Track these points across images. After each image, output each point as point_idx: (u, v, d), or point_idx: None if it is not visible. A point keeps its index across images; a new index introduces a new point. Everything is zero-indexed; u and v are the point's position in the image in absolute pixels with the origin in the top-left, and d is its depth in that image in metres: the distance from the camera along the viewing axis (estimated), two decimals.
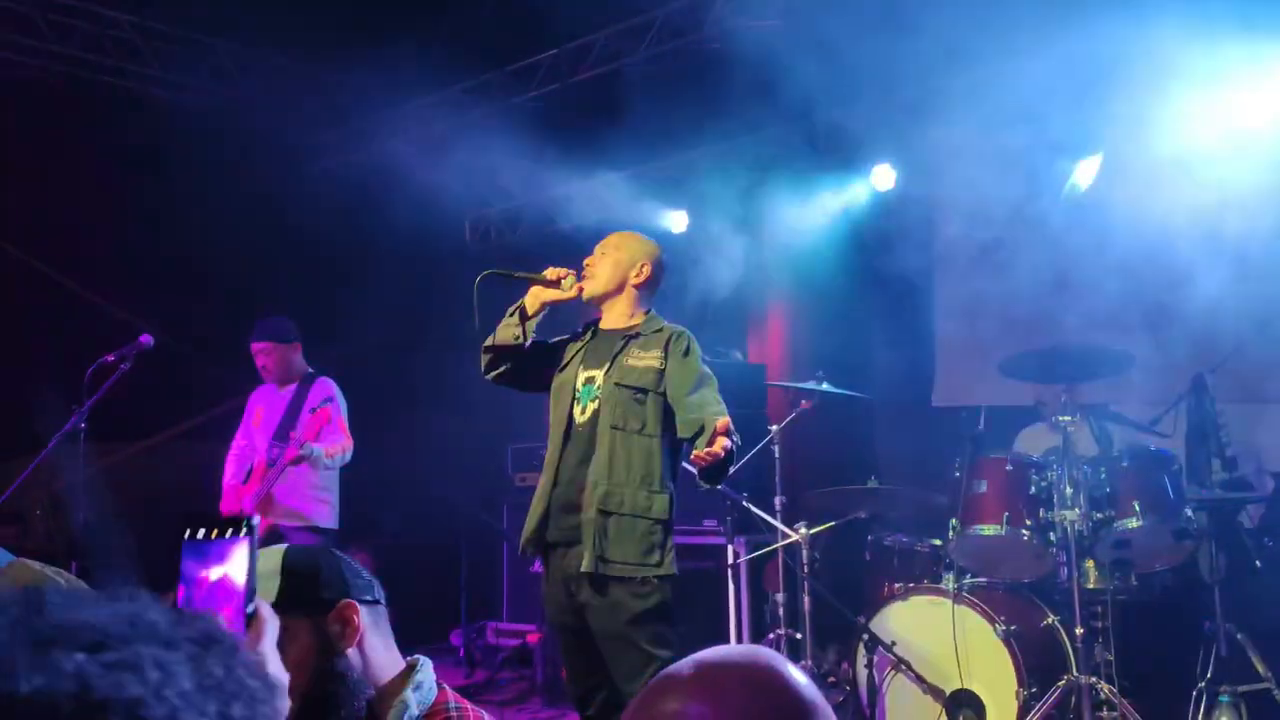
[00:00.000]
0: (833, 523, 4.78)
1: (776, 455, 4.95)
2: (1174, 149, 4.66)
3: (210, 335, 6.11)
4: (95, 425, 4.05)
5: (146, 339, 4.12)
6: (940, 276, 6.01)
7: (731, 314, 6.10)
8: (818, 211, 6.24)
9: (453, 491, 6.27)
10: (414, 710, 1.58)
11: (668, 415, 3.28)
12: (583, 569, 3.14)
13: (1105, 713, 3.88)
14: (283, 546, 1.67)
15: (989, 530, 4.05)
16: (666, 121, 6.43)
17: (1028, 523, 4.02)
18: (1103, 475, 4.04)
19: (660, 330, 3.38)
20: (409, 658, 1.68)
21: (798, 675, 1.04)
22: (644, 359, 3.30)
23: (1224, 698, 3.88)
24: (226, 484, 4.87)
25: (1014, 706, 3.86)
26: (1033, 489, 4.07)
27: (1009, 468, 4.13)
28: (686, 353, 3.31)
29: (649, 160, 6.72)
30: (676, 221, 6.74)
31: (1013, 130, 5.03)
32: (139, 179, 6.11)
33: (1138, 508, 3.93)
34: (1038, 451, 4.53)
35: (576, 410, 3.34)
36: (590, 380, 3.36)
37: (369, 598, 1.67)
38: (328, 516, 4.68)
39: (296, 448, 4.35)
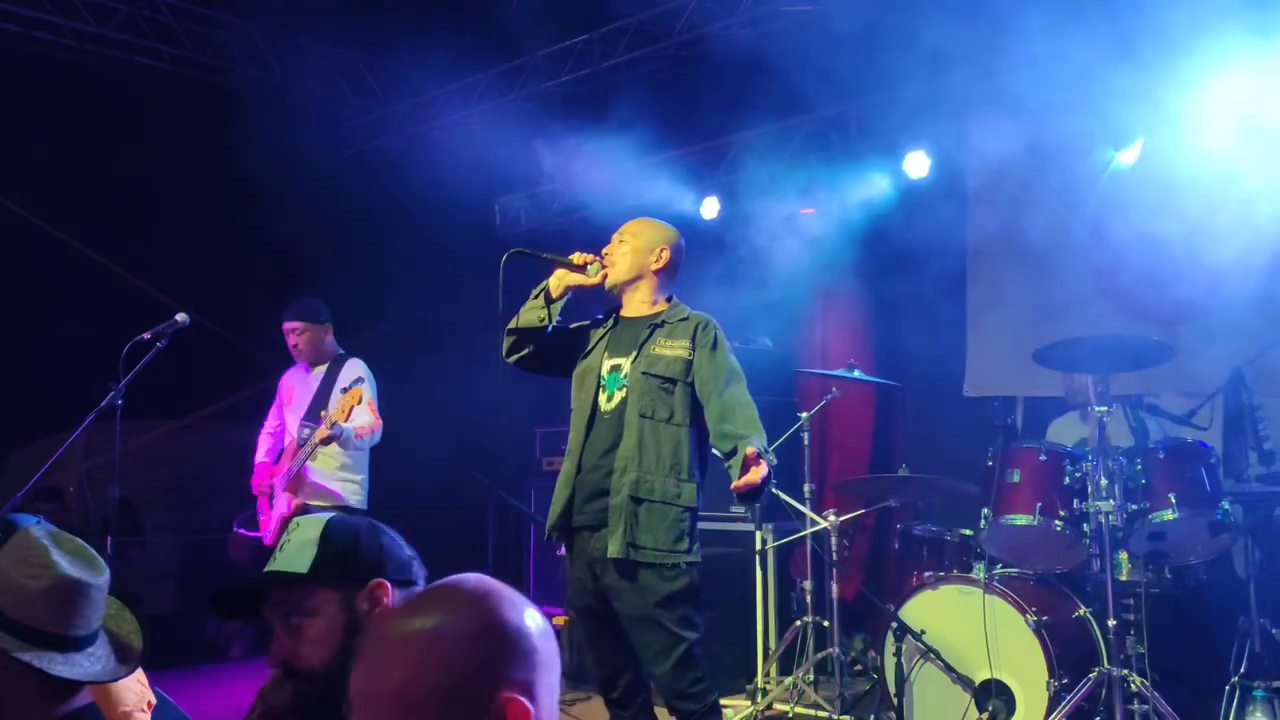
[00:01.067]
0: (862, 510, 4.76)
1: (806, 443, 4.93)
2: (1214, 138, 4.59)
3: (245, 316, 6.17)
4: (131, 403, 4.09)
5: (183, 318, 4.16)
6: (973, 265, 5.95)
7: (762, 301, 6.07)
8: (851, 199, 6.19)
9: (480, 474, 6.28)
10: None
11: (695, 405, 3.28)
12: (611, 554, 3.15)
13: (1136, 705, 3.84)
14: (327, 515, 1.68)
15: (1021, 520, 4.01)
16: (698, 108, 6.41)
17: (1061, 513, 3.98)
18: (1138, 467, 3.99)
19: (686, 319, 3.37)
20: None
21: (521, 610, 1.10)
22: (672, 348, 3.30)
23: (1259, 693, 3.83)
24: (258, 463, 4.93)
25: (1044, 697, 3.83)
26: (1067, 479, 4.02)
27: (1042, 457, 4.09)
28: (714, 345, 3.30)
29: (681, 146, 6.70)
30: (708, 208, 6.72)
31: (1049, 118, 4.97)
32: (174, 160, 6.17)
33: (1173, 500, 3.88)
34: (1070, 442, 4.48)
35: (602, 398, 3.34)
36: (616, 369, 3.36)
37: (404, 578, 1.66)
38: (357, 497, 4.71)
39: (327, 427, 4.37)
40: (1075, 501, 3.99)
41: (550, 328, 3.43)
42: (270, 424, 4.99)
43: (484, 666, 1.05)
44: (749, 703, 4.85)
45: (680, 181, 6.79)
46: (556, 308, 3.45)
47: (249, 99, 6.60)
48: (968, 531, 4.40)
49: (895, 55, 4.90)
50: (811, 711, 4.69)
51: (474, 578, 1.14)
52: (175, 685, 2.59)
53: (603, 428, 3.32)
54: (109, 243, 6.14)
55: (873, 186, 6.20)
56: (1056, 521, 3.97)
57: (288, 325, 4.80)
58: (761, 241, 5.87)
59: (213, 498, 6.62)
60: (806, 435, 4.92)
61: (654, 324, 3.38)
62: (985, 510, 4.11)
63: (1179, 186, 4.75)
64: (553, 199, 7.59)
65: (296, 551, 1.62)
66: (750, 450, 3.02)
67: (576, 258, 3.45)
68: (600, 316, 3.56)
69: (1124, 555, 4.05)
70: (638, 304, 3.45)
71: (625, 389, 3.30)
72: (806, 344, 6.58)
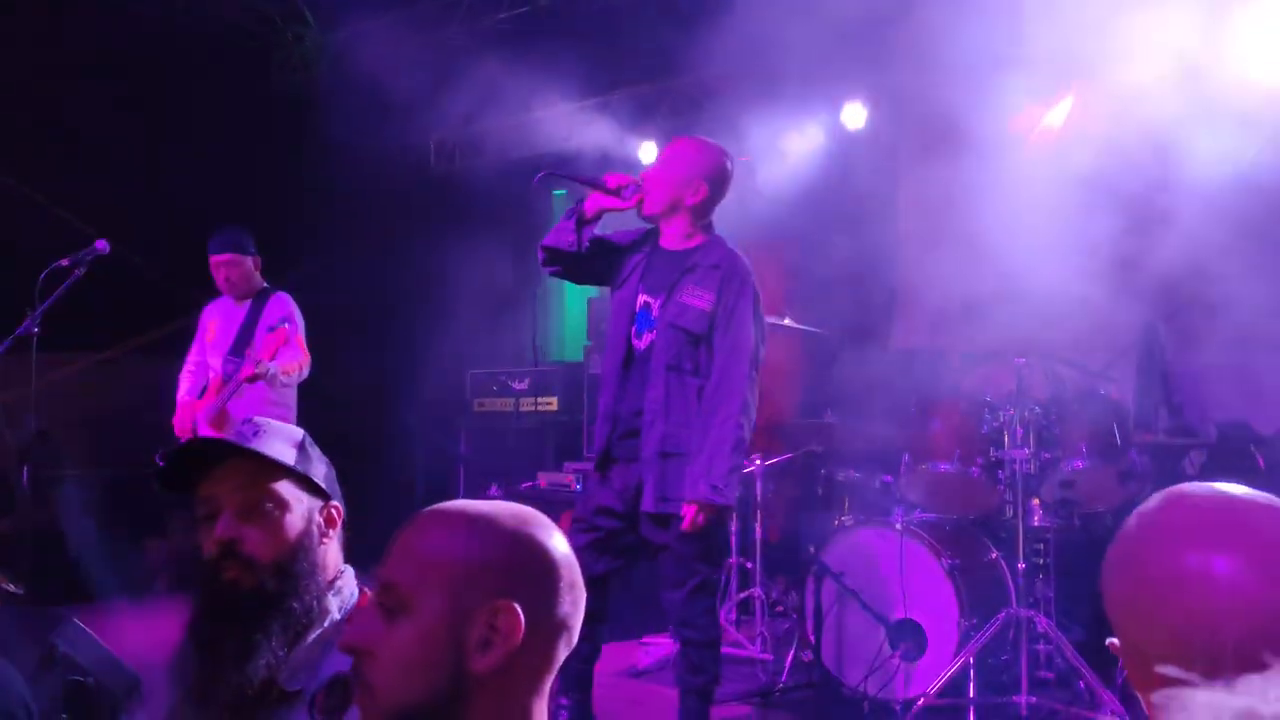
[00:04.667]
0: (788, 455, 4.85)
1: None
2: (1138, 91, 4.68)
3: (170, 249, 6.01)
4: (51, 335, 3.99)
5: (102, 244, 4.04)
6: (904, 219, 6.03)
7: None
8: (787, 148, 6.21)
9: (409, 415, 6.27)
10: (335, 614, 1.62)
11: None
12: (645, 509, 3.26)
13: (1042, 645, 4.00)
14: (303, 430, 1.70)
15: (940, 467, 4.14)
16: (636, 50, 6.35)
17: (978, 460, 4.11)
18: (1052, 416, 4.12)
19: (717, 266, 3.35)
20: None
21: (557, 540, 1.18)
22: (698, 297, 3.31)
23: None
24: (180, 399, 4.82)
25: (954, 636, 3.97)
26: (984, 428, 4.14)
27: (963, 406, 4.21)
28: (734, 310, 3.30)
29: (619, 88, 6.64)
30: (646, 152, 6.69)
31: (983, 70, 5.02)
32: (96, 85, 5.96)
33: (1084, 449, 4.03)
34: (989, 392, 4.60)
35: (636, 339, 3.39)
36: (647, 307, 3.39)
37: (343, 512, 1.72)
38: None
39: (253, 365, 4.31)
40: (992, 449, 4.11)
41: (584, 248, 3.43)
42: (192, 360, 4.89)
43: (500, 570, 1.13)
44: (672, 640, 4.95)
45: (619, 125, 6.75)
46: (589, 231, 3.44)
47: (175, 25, 6.38)
48: (889, 477, 4.52)
49: (836, 5, 4.89)
50: (733, 649, 4.80)
51: (527, 508, 1.22)
52: (97, 620, 2.57)
53: (636, 367, 3.38)
54: (27, 169, 5.93)
55: (810, 137, 6.23)
56: (973, 468, 4.10)
57: (218, 257, 4.65)
58: None
59: (135, 433, 6.50)
60: None
61: (686, 268, 3.37)
62: (906, 456, 4.23)
63: (1105, 139, 4.85)
64: (488, 138, 7.49)
65: (277, 443, 1.63)
66: (688, 507, 3.15)
67: (611, 181, 3.42)
68: (639, 238, 3.53)
69: (1036, 501, 4.19)
70: (673, 235, 3.44)
71: (655, 333, 3.35)
72: None
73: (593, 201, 3.42)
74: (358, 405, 6.43)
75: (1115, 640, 1.00)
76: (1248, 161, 4.33)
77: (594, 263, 3.49)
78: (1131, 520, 0.99)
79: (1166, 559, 0.92)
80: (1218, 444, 4.88)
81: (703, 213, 3.44)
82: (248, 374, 4.32)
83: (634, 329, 3.39)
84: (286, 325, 4.38)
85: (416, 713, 1.10)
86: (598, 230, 3.49)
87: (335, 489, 1.69)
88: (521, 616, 1.11)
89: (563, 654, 1.17)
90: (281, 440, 1.64)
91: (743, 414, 3.26)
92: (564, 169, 3.51)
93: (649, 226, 3.52)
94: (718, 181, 3.43)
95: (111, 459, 6.45)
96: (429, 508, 1.20)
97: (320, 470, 1.67)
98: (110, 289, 4.36)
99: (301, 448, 1.65)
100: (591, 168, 6.80)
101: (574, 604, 1.17)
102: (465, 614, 1.10)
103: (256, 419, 1.71)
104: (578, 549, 3.36)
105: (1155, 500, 0.98)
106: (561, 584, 1.16)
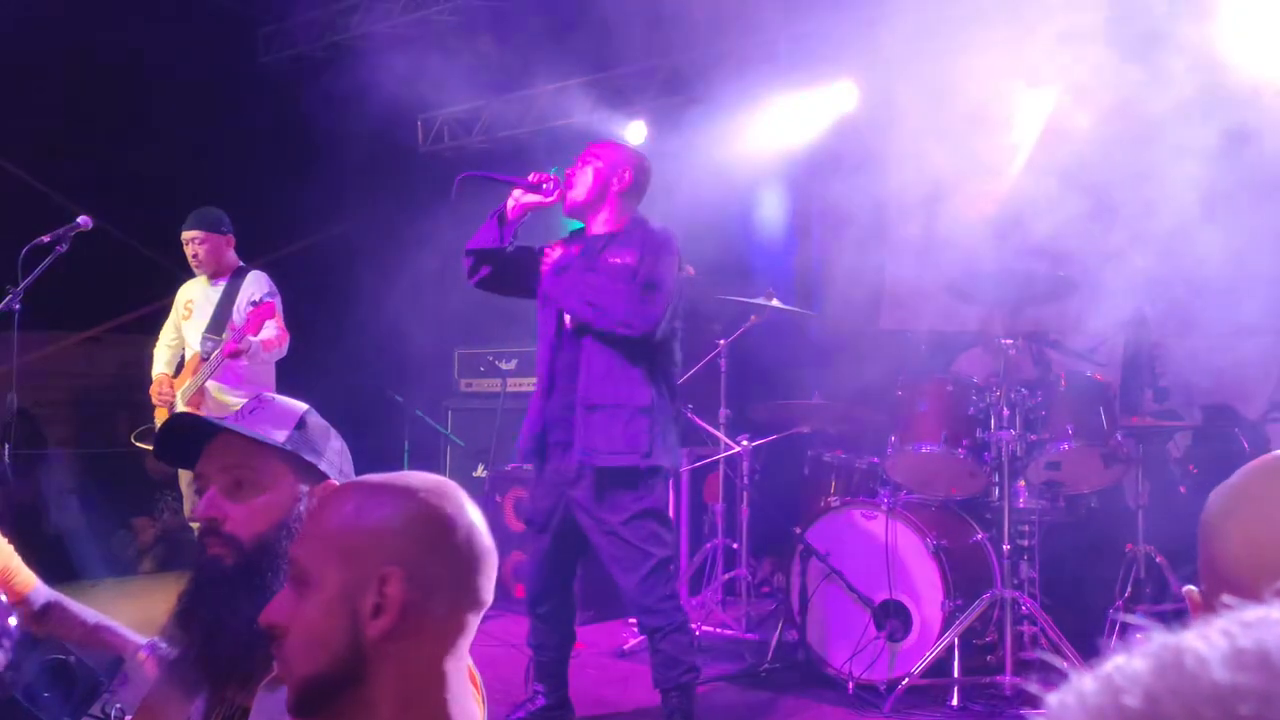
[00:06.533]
0: (775, 436, 4.85)
1: (723, 369, 4.98)
2: (1127, 82, 4.67)
3: (153, 228, 5.96)
4: (33, 314, 3.95)
5: (85, 220, 3.99)
6: (893, 198, 6.01)
7: (686, 228, 6.08)
8: (777, 126, 6.18)
9: (396, 394, 6.23)
10: None
11: None
12: (574, 462, 3.22)
13: (1026, 626, 4.02)
14: (306, 405, 1.69)
15: (926, 448, 4.14)
16: (629, 28, 6.31)
17: (964, 442, 4.11)
18: (1039, 399, 4.13)
19: (642, 233, 3.38)
20: None
21: (456, 507, 1.19)
22: (621, 256, 3.32)
23: (1139, 617, 4.04)
24: (157, 374, 4.77)
25: (939, 617, 3.99)
26: (971, 410, 4.15)
27: (950, 388, 4.21)
28: (657, 251, 3.31)
29: (611, 67, 6.60)
30: (635, 132, 6.66)
31: (975, 53, 5.00)
32: (79, 61, 5.89)
33: (1070, 431, 4.03)
34: (977, 374, 4.61)
35: (566, 317, 3.36)
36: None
37: None
38: None
39: (236, 341, 4.28)
40: (978, 431, 4.12)
41: (509, 248, 3.41)
42: (167, 336, 4.87)
43: (391, 538, 1.14)
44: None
45: (608, 104, 6.71)
46: (511, 230, 3.43)
47: (165, 4, 6.31)
48: (875, 459, 4.52)
49: None
50: (718, 630, 4.82)
51: (433, 475, 1.23)
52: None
53: (567, 345, 3.36)
54: (9, 144, 5.86)
55: (800, 115, 6.20)
56: (959, 450, 4.10)
57: (187, 234, 4.68)
58: (687, 170, 5.84)
59: (117, 412, 6.47)
60: (724, 361, 4.97)
61: (612, 236, 3.39)
62: (893, 438, 4.23)
63: (1096, 130, 4.84)
64: (478, 116, 7.44)
65: (268, 422, 1.61)
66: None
67: (532, 177, 3.42)
68: (567, 238, 3.55)
69: (1022, 483, 4.20)
70: (600, 224, 3.45)
71: None
72: (728, 272, 6.62)
73: (514, 200, 3.42)
74: (343, 386, 6.40)
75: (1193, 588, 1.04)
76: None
77: (522, 270, 3.47)
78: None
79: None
80: (1203, 427, 4.90)
81: (629, 199, 3.47)
82: (231, 349, 4.30)
83: (566, 314, 3.38)
84: (271, 298, 4.35)
85: (324, 682, 1.13)
86: (525, 243, 3.48)
87: (340, 467, 1.66)
88: (404, 582, 1.12)
89: (472, 617, 1.18)
90: (274, 418, 1.63)
91: (621, 326, 3.23)
92: (482, 170, 3.50)
93: (571, 230, 3.54)
94: (642, 170, 3.48)
95: (94, 438, 6.42)
96: (342, 484, 1.22)
97: (320, 449, 1.64)
98: (93, 265, 4.31)
99: (301, 425, 1.63)
100: (580, 147, 6.78)
101: (475, 568, 1.18)
102: (359, 583, 1.13)
103: (263, 394, 1.71)
104: (541, 552, 3.36)
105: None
106: (459, 549, 1.17)
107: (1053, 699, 0.44)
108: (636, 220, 3.45)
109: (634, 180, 3.44)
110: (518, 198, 3.41)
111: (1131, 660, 0.43)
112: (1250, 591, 0.66)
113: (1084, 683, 0.43)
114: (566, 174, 3.44)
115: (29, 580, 2.47)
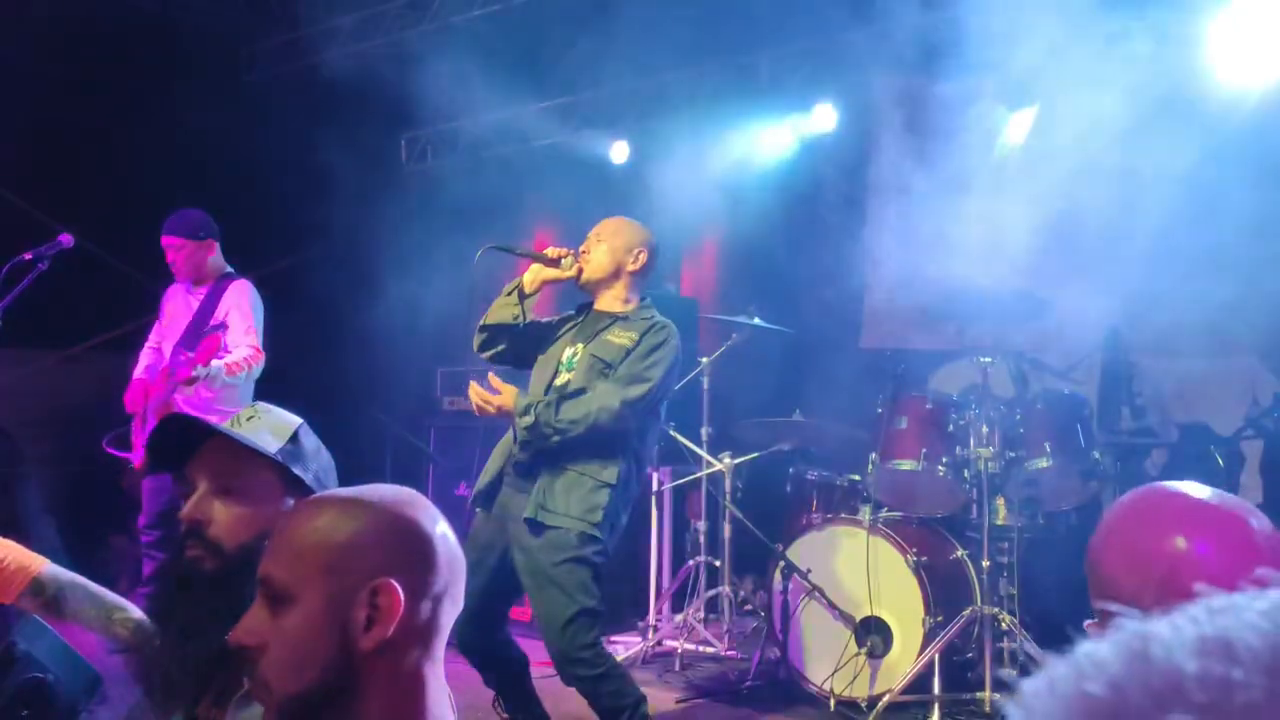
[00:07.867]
0: (756, 454, 4.87)
1: (705, 387, 5.01)
2: (1104, 105, 4.74)
3: (135, 245, 5.94)
4: (11, 332, 3.93)
5: (66, 239, 3.97)
6: (872, 219, 6.07)
7: (667, 246, 6.11)
8: (758, 148, 6.24)
9: (379, 413, 6.23)
10: None
11: None
12: (524, 515, 3.20)
13: (1005, 643, 4.05)
14: (301, 420, 1.70)
15: (906, 465, 4.16)
16: (611, 49, 6.35)
17: (944, 459, 4.14)
18: (1017, 416, 4.16)
19: (648, 319, 3.41)
20: None
21: (428, 516, 1.22)
22: (621, 337, 3.34)
23: None
24: (135, 378, 4.69)
25: (920, 634, 4.01)
26: (950, 427, 4.18)
27: (929, 406, 4.24)
28: (651, 349, 3.31)
29: (593, 87, 6.64)
30: (618, 151, 6.70)
31: (952, 77, 5.07)
32: (65, 79, 5.88)
33: (1048, 448, 4.07)
34: (956, 391, 4.65)
35: (558, 380, 3.38)
36: (574, 354, 3.41)
37: None
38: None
39: (189, 369, 4.16)
40: (958, 448, 4.15)
41: (525, 323, 3.44)
42: (153, 339, 4.80)
43: (374, 550, 1.16)
44: (640, 639, 4.97)
45: (591, 124, 6.75)
46: (531, 303, 3.47)
47: (142, 15, 6.31)
48: (856, 476, 4.54)
49: (807, 7, 4.92)
50: (700, 648, 4.82)
51: (396, 486, 1.27)
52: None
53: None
54: None
55: (780, 136, 6.26)
56: (939, 467, 4.13)
57: (165, 240, 4.60)
58: (669, 188, 5.88)
59: (97, 432, 6.42)
60: (706, 379, 4.99)
61: (617, 316, 3.42)
62: (873, 455, 4.26)
63: (1070, 151, 4.90)
64: (461, 136, 7.47)
65: (264, 431, 1.62)
66: (520, 411, 3.18)
67: (551, 252, 3.47)
68: (573, 311, 3.59)
69: (1001, 500, 4.23)
70: (609, 301, 3.48)
71: (575, 370, 3.35)
72: (709, 291, 6.65)
73: (533, 274, 3.46)
74: (326, 402, 6.38)
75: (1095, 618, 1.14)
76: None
77: (534, 342, 3.50)
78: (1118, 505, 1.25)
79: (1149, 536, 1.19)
80: (1178, 444, 4.95)
81: (641, 280, 3.51)
82: (184, 377, 4.21)
83: (555, 374, 3.39)
84: (224, 327, 4.27)
85: (313, 697, 1.13)
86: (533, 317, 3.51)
87: (325, 485, 1.67)
88: (400, 592, 1.14)
89: (448, 621, 1.20)
90: (269, 428, 1.64)
91: (588, 430, 3.19)
92: (503, 244, 3.54)
93: (580, 303, 3.57)
94: (654, 251, 3.52)
95: (74, 457, 6.37)
96: (305, 499, 1.24)
97: (310, 463, 1.66)
98: (73, 283, 4.29)
99: (294, 439, 1.65)
100: (566, 167, 6.81)
101: (453, 571, 1.21)
102: (346, 596, 1.13)
103: (258, 404, 1.72)
104: (473, 594, 3.32)
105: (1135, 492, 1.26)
106: (438, 556, 1.19)
107: (1025, 686, 0.46)
108: (646, 307, 3.48)
109: (647, 261, 3.49)
110: (536, 273, 3.46)
111: (1100, 648, 0.44)
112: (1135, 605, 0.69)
113: (1054, 670, 0.45)
114: (580, 251, 3.47)
115: (26, 562, 2.25)
